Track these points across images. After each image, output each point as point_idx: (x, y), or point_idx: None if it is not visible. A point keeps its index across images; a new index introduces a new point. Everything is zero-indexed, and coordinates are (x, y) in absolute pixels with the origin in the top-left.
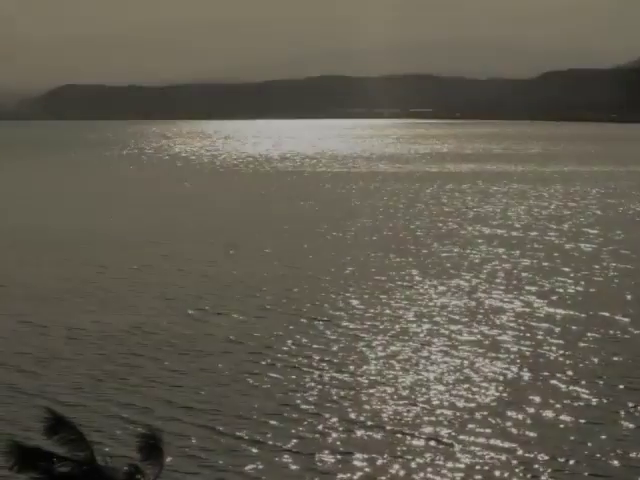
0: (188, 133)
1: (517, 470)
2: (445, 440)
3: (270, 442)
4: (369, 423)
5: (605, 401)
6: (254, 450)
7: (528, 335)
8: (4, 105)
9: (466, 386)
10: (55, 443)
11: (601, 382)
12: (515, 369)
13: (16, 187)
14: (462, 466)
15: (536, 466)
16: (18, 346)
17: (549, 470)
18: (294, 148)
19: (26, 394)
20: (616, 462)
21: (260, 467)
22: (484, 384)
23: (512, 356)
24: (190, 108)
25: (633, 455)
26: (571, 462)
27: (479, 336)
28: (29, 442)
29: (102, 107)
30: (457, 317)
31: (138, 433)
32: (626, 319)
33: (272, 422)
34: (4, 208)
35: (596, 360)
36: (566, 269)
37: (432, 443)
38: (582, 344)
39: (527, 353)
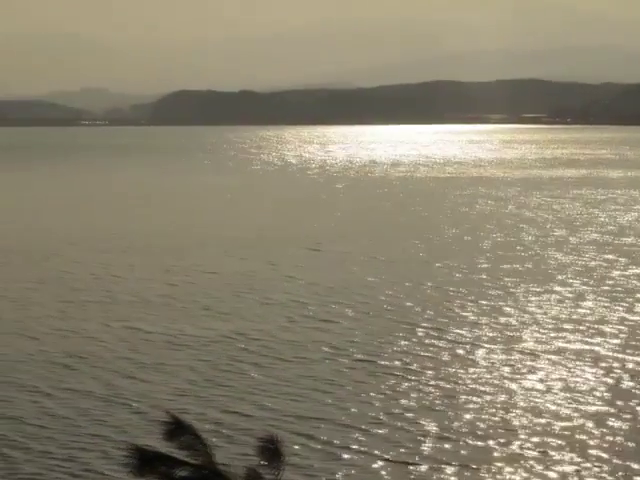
0: (300, 138)
1: None
2: (547, 450)
3: (369, 450)
4: (471, 432)
5: None
6: (352, 457)
7: (636, 344)
8: (118, 110)
9: (570, 395)
10: (175, 447)
11: None
12: (621, 379)
13: (129, 191)
14: (564, 476)
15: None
16: (125, 352)
17: None
18: (407, 153)
19: (135, 399)
20: None
21: (357, 474)
22: (589, 394)
23: (618, 365)
24: (301, 113)
25: None
26: None
27: (586, 345)
28: (149, 446)
29: (213, 113)
30: (564, 325)
31: (257, 437)
32: None
33: (372, 429)
34: (118, 212)
35: None
36: None
37: (534, 453)
38: None
39: (634, 363)
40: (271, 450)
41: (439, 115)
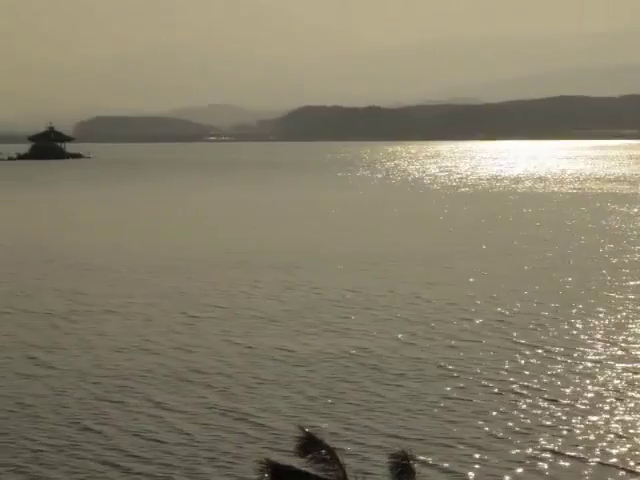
0: (424, 154)
1: None
2: None
3: (487, 469)
4: (591, 452)
5: None
6: (471, 475)
7: None
8: (245, 126)
9: None
10: (308, 462)
11: None
12: None
13: (251, 206)
14: None
15: None
16: (244, 366)
17: None
18: (532, 168)
19: (254, 414)
20: None
21: None
22: None
23: None
24: (427, 129)
25: None
26: None
27: None
28: (282, 460)
29: (339, 128)
30: None
31: (389, 452)
32: None
33: (490, 448)
34: (240, 227)
35: None
36: None
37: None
38: None
39: None
40: (403, 466)
41: (565, 130)
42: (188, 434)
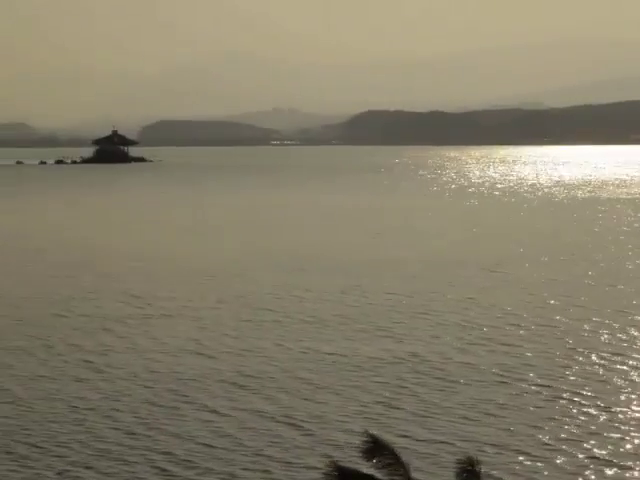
0: (488, 159)
1: None
2: None
3: (538, 477)
4: (636, 463)
5: None
6: None
7: None
8: (309, 130)
9: None
10: (373, 466)
11: None
12: None
13: (311, 210)
14: None
15: None
16: (298, 372)
17: None
18: (594, 173)
19: (306, 420)
20: None
21: None
22: None
23: None
24: (491, 134)
25: None
26: None
27: None
28: (349, 465)
29: (402, 133)
30: None
31: (456, 459)
32: None
33: (543, 455)
34: (298, 230)
35: None
36: None
37: None
38: None
39: None
40: (470, 472)
41: (632, 136)
42: (241, 439)
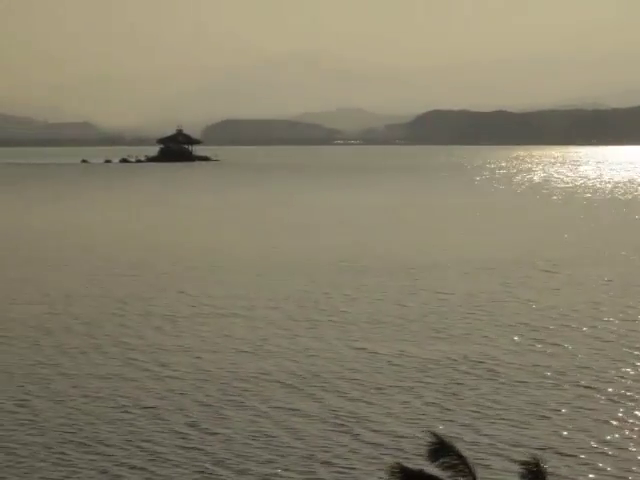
0: (551, 159)
1: None
2: None
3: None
4: None
5: None
6: None
7: None
8: (373, 130)
9: None
10: (438, 467)
11: None
12: None
13: (373, 210)
14: None
15: None
16: (349, 373)
17: None
18: None
19: (353, 421)
20: None
21: None
22: None
23: None
24: (555, 133)
25: None
26: None
27: None
28: (413, 465)
29: (467, 132)
30: None
31: (520, 460)
32: None
33: (592, 459)
34: (359, 230)
35: None
36: None
37: None
38: None
39: None
40: (535, 473)
41: None
42: (306, 438)
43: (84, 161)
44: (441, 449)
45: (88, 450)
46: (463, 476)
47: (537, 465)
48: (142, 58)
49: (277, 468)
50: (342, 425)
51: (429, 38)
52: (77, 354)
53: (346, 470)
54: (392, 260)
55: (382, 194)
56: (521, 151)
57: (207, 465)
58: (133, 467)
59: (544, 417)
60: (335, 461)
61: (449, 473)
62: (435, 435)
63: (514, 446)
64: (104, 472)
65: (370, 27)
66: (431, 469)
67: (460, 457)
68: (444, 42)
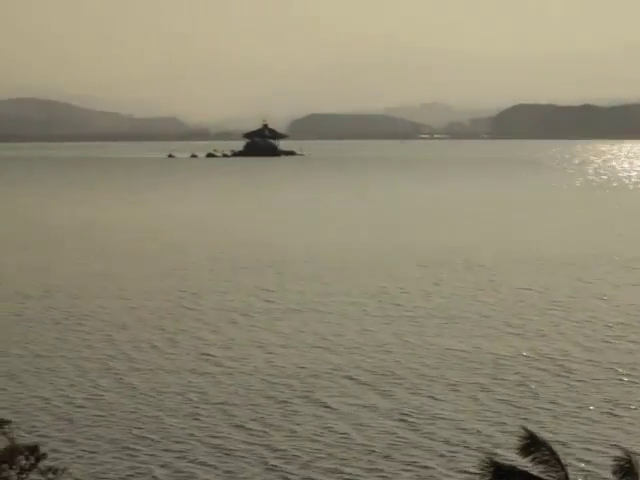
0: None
1: None
2: None
3: None
4: None
5: None
6: None
7: None
8: (458, 124)
9: None
10: (530, 462)
11: None
12: None
13: (457, 205)
14: None
15: None
16: (421, 368)
17: None
18: None
19: (420, 416)
20: None
21: None
22: None
23: None
24: None
25: None
26: None
27: None
28: (505, 461)
29: (553, 126)
30: None
31: (613, 456)
32: None
33: None
34: (443, 225)
35: None
36: None
37: None
38: None
39: None
40: (627, 470)
41: None
42: (375, 435)
43: (170, 156)
44: (532, 444)
45: (154, 444)
46: (554, 472)
47: (629, 462)
48: (226, 53)
49: (353, 466)
50: (413, 422)
51: (515, 30)
52: (150, 348)
53: (415, 468)
54: (470, 255)
55: (464, 189)
56: (608, 145)
57: (273, 461)
58: (198, 461)
59: (623, 414)
60: (402, 458)
61: (541, 468)
62: (527, 431)
63: (595, 443)
64: (169, 466)
65: (455, 20)
66: (522, 464)
67: (552, 453)
68: (529, 35)
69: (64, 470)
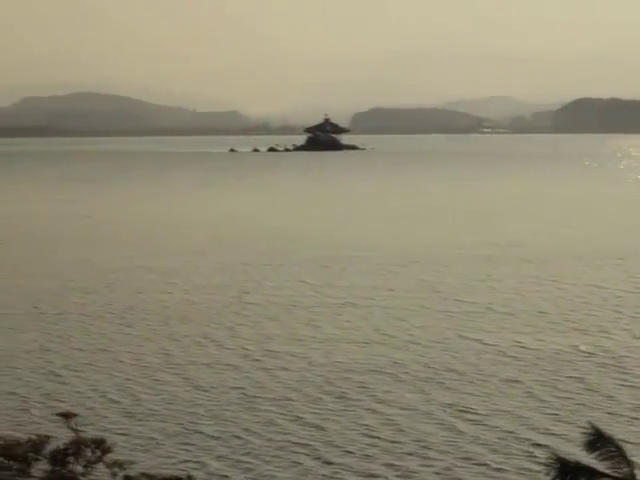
0: None
1: None
2: None
3: None
4: None
5: None
6: None
7: None
8: (521, 118)
9: None
10: (596, 458)
11: None
12: None
13: (509, 200)
14: None
15: None
16: (457, 364)
17: None
18: None
19: (460, 412)
20: None
21: None
22: None
23: None
24: None
25: None
26: None
27: None
28: (570, 456)
29: (616, 121)
30: None
31: None
32: None
33: None
34: (492, 220)
35: None
36: None
37: None
38: None
39: None
40: None
41: None
42: (411, 432)
43: (232, 150)
44: (598, 440)
45: (213, 437)
46: (620, 468)
47: None
48: (290, 47)
49: (410, 461)
50: (472, 418)
51: (577, 24)
52: (209, 342)
53: (474, 465)
54: (518, 250)
55: (522, 183)
56: None
57: (329, 455)
58: (255, 454)
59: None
60: (460, 454)
61: (607, 464)
62: (593, 427)
63: None
64: (227, 458)
65: (517, 15)
66: (587, 460)
67: (618, 449)
68: (589, 32)
69: (131, 463)
